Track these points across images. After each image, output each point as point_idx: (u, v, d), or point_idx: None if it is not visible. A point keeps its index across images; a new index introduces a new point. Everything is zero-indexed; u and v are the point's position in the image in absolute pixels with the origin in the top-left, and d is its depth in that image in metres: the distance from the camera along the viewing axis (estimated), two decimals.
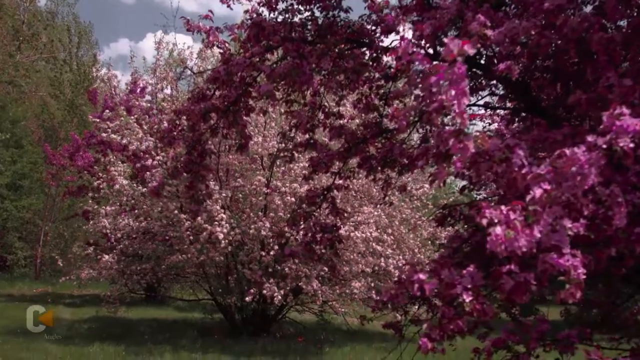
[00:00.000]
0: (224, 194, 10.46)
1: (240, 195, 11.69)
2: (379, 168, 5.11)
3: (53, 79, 25.52)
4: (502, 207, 2.40)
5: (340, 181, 5.10)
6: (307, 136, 5.23)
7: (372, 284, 11.37)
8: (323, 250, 5.35)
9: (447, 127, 2.61)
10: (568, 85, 4.77)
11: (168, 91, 11.60)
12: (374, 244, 10.95)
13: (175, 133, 5.46)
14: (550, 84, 4.77)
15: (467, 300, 2.34)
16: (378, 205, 11.09)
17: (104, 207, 11.39)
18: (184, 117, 5.28)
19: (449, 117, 2.76)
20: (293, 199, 10.49)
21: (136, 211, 11.62)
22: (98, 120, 11.83)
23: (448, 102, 2.46)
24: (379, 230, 11.14)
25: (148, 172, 10.63)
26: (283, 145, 5.24)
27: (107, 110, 11.51)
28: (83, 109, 22.94)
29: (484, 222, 2.35)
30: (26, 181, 22.54)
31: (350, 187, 9.57)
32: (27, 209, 22.52)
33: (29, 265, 25.50)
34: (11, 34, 24.96)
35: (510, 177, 2.74)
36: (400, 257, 11.94)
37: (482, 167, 2.75)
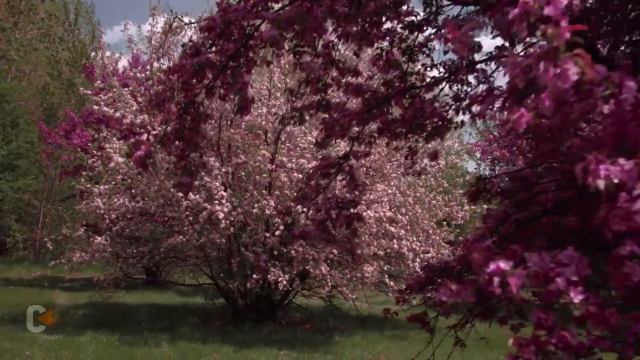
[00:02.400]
0: (224, 170, 9.67)
1: (243, 173, 10.90)
2: (404, 133, 4.32)
3: (50, 57, 24.64)
4: (622, 162, 1.62)
5: (361, 147, 4.29)
6: (318, 97, 4.44)
7: (385, 268, 10.62)
8: (337, 231, 4.57)
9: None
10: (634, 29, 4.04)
11: (165, 62, 10.76)
12: (386, 225, 10.15)
13: (165, 95, 4.67)
14: (612, 31, 4.02)
15: (577, 300, 1.55)
16: (392, 182, 10.30)
17: (97, 186, 10.59)
18: (176, 77, 4.48)
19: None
20: (300, 176, 9.70)
21: (132, 191, 10.85)
22: (90, 92, 11.02)
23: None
24: (392, 210, 10.35)
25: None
26: (290, 105, 4.41)
27: (99, 82, 10.67)
28: (80, 87, 22.03)
29: (600, 184, 1.56)
30: (23, 161, 21.70)
31: (363, 162, 8.78)
32: (23, 190, 21.74)
33: (28, 248, 24.85)
34: (7, 10, 24.05)
35: (620, 120, 1.95)
36: (414, 238, 11.17)
37: (575, 110, 1.95)
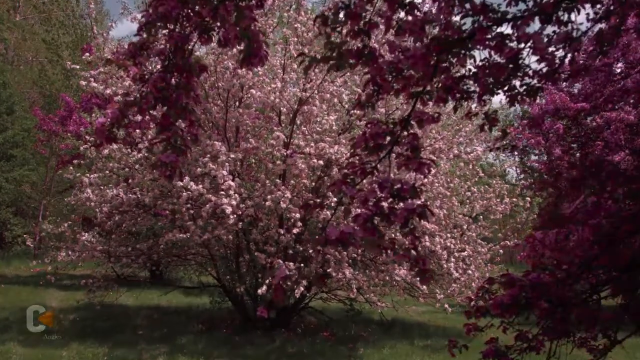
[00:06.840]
0: (232, 156, 8.29)
1: (254, 160, 9.51)
2: (485, 90, 2.95)
3: (50, 42, 23.31)
4: None
5: (428, 108, 2.90)
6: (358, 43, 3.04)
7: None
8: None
9: None
10: None
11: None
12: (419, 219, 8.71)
13: (142, 41, 3.29)
14: None
15: None
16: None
17: (87, 175, 9.23)
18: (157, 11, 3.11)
19: None
20: (321, 162, 8.32)
21: (130, 181, 9.49)
22: (78, 67, 9.69)
23: None
24: (428, 202, 8.94)
25: (138, 130, 8.51)
26: (326, 39, 2.97)
27: (87, 54, 9.33)
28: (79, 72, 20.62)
29: None
30: (19, 150, 20.32)
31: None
32: (20, 182, 20.38)
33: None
34: None
35: None
36: (448, 235, 9.79)
37: None
